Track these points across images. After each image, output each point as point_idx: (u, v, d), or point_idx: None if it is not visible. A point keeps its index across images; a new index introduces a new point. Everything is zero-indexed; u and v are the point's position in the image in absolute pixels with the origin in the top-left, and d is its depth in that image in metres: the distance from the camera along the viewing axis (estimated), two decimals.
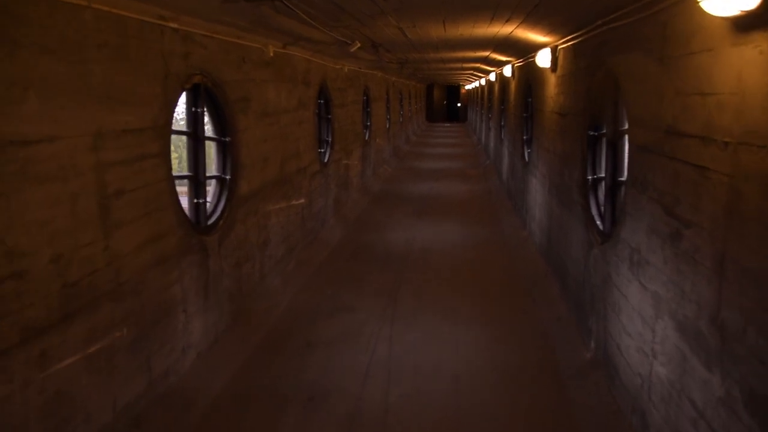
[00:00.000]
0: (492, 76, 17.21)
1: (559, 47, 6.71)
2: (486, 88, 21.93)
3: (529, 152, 9.54)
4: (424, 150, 24.93)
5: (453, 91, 45.18)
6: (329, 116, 10.42)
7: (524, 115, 10.13)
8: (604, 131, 5.05)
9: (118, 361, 3.77)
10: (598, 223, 5.03)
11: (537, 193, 8.33)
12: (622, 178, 4.66)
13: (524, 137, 10.12)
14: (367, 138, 14.70)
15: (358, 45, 7.33)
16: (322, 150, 10.02)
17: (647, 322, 3.61)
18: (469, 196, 14.06)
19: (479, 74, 21.53)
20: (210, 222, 5.37)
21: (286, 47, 7.40)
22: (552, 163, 7.13)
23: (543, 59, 7.15)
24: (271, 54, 6.80)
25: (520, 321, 6.21)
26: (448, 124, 42.65)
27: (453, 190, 14.79)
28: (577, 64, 5.89)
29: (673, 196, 3.30)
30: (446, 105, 46.31)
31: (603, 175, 5.14)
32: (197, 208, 5.22)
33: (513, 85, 12.20)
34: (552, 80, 7.23)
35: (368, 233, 10.27)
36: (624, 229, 4.16)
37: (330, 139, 10.46)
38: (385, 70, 16.51)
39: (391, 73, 18.06)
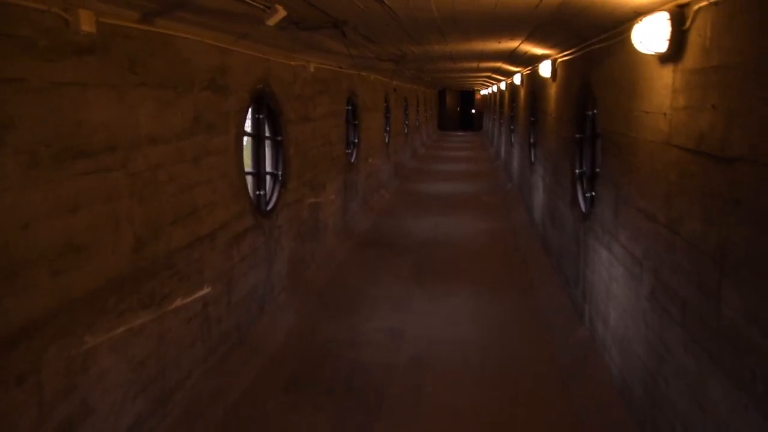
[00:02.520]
0: (517, 79, 13.58)
1: (695, 7, 3.11)
2: (507, 94, 18.30)
3: (590, 198, 5.92)
4: (432, 166, 21.30)
5: (467, 96, 41.66)
6: (278, 138, 6.87)
7: (577, 136, 6.52)
8: None
9: None
10: None
11: (618, 284, 4.67)
12: None
13: (576, 170, 6.51)
14: (352, 161, 11.14)
15: (282, 15, 3.80)
16: (262, 192, 6.47)
17: None
18: (489, 240, 10.41)
19: (498, 77, 17.90)
20: None
21: (150, 20, 3.88)
22: (666, 247, 3.51)
23: (645, 38, 3.54)
24: (87, 29, 3.25)
25: None
26: (462, 133, 39.12)
27: (467, 231, 11.14)
28: None
29: None
30: (459, 112, 42.72)
31: None
32: None
33: (553, 90, 8.57)
34: (665, 79, 3.61)
35: (335, 320, 6.68)
36: None
37: (281, 173, 6.92)
38: (381, 72, 12.95)
39: (390, 75, 14.48)
